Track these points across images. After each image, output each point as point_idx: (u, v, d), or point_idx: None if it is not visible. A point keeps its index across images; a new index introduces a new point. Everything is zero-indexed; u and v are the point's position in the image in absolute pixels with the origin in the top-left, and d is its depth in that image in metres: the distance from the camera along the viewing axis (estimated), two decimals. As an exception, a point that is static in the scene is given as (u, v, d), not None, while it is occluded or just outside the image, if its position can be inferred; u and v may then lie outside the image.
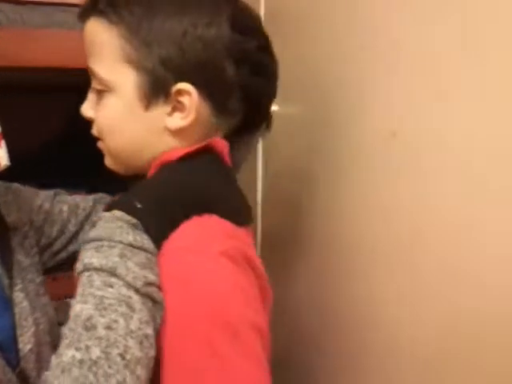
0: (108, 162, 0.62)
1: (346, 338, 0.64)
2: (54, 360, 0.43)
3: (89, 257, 0.47)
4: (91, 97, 0.60)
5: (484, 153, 0.40)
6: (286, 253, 0.86)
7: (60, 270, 0.74)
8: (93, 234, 0.49)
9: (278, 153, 0.88)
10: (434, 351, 0.47)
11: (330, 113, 0.66)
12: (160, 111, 0.55)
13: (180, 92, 0.54)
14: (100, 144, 0.61)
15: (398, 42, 0.51)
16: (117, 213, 0.50)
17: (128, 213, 0.49)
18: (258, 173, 0.98)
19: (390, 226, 0.53)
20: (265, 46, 0.60)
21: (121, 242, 0.47)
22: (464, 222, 0.42)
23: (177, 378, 0.46)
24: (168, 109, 0.55)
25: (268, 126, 0.62)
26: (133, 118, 0.55)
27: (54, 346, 0.56)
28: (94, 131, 0.60)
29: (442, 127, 0.44)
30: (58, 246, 0.74)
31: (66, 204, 0.77)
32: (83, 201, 0.79)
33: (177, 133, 0.56)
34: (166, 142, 0.56)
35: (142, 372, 0.43)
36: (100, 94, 0.57)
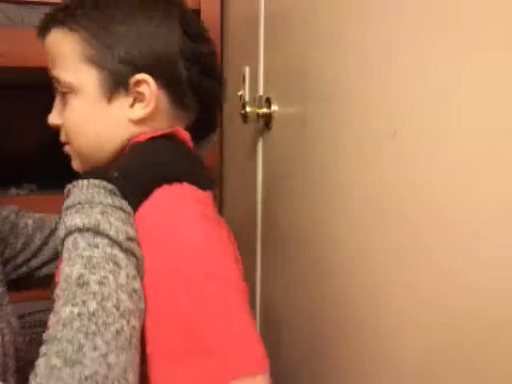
0: (76, 165, 0.65)
1: (346, 340, 0.64)
2: (52, 319, 0.45)
3: (70, 219, 0.49)
4: (57, 105, 0.65)
5: (485, 153, 0.40)
6: (286, 252, 0.86)
7: (16, 287, 0.74)
8: (70, 200, 0.51)
9: (277, 153, 0.88)
10: (432, 354, 0.47)
11: (330, 113, 0.66)
12: (122, 104, 0.60)
13: (138, 82, 0.60)
14: (67, 148, 0.65)
15: (398, 41, 0.51)
16: (94, 180, 0.52)
17: (105, 179, 0.53)
18: (258, 172, 0.98)
19: (389, 226, 0.53)
20: (213, 52, 0.67)
21: (101, 203, 0.50)
22: (464, 222, 0.42)
23: (165, 327, 0.48)
24: (129, 101, 0.60)
25: (213, 130, 0.70)
26: (98, 114, 0.60)
27: (17, 358, 0.58)
28: (62, 137, 0.65)
29: (442, 127, 0.44)
30: (21, 259, 0.75)
31: (32, 218, 0.78)
32: (49, 217, 0.81)
33: (140, 122, 0.61)
34: (131, 132, 0.61)
35: (136, 323, 0.46)
36: (65, 99, 0.62)
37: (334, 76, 0.64)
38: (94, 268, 0.46)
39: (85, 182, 0.52)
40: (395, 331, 0.53)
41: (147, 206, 0.53)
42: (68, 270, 0.47)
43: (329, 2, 0.66)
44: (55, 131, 0.65)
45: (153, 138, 0.60)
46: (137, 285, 0.48)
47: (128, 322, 0.45)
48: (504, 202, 0.38)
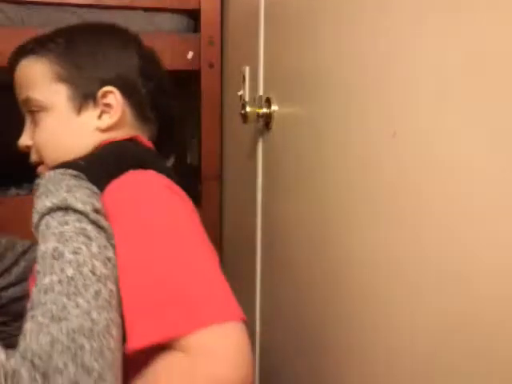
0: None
1: (344, 341, 0.64)
2: (34, 290, 0.48)
3: (40, 203, 0.53)
4: (27, 128, 0.69)
5: (485, 152, 0.40)
6: (286, 252, 0.86)
7: None
8: (40, 190, 0.55)
9: (277, 153, 0.88)
10: (431, 356, 0.47)
11: (330, 113, 0.66)
12: (91, 115, 0.66)
13: (105, 94, 0.67)
14: (41, 169, 0.69)
15: (398, 41, 0.51)
16: (59, 170, 0.57)
17: (70, 168, 0.57)
18: (258, 172, 0.98)
19: (389, 226, 0.53)
20: (165, 74, 0.77)
21: (66, 185, 0.54)
22: (465, 222, 0.42)
23: (137, 282, 0.51)
24: (97, 112, 0.67)
25: (175, 149, 0.82)
26: (69, 127, 0.66)
27: None
28: (34, 157, 0.69)
29: (442, 127, 0.44)
30: None
31: (5, 238, 0.81)
32: (21, 240, 0.84)
33: (107, 130, 0.67)
34: (99, 139, 0.66)
35: (113, 287, 0.49)
36: (35, 119, 0.67)
37: (334, 76, 0.64)
38: (66, 241, 0.50)
39: (51, 172, 0.57)
40: (395, 332, 0.53)
41: (115, 183, 0.57)
42: (43, 247, 0.50)
43: (329, 2, 0.66)
44: (26, 153, 0.70)
45: (118, 141, 0.66)
46: (110, 253, 0.51)
47: (105, 285, 0.49)
48: (504, 202, 0.38)
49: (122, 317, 0.49)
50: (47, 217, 0.52)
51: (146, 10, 1.27)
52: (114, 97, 0.66)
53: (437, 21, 0.45)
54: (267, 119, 0.88)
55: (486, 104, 0.39)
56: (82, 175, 0.56)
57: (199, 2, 1.27)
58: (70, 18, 1.22)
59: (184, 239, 0.53)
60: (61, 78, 0.65)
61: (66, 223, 0.51)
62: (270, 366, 0.98)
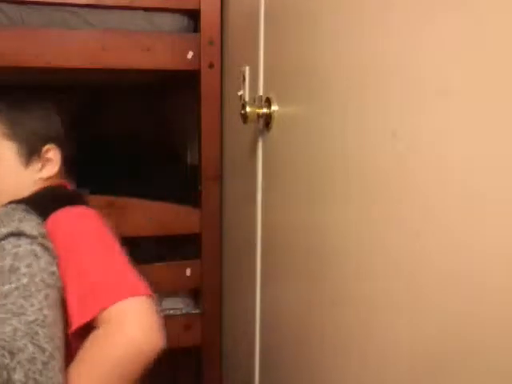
0: None
1: (344, 342, 0.64)
2: None
3: None
4: None
5: (485, 152, 0.40)
6: (286, 252, 0.86)
7: None
8: None
9: (277, 153, 0.88)
10: (431, 357, 0.47)
11: (330, 113, 0.66)
12: (35, 167, 0.84)
13: (47, 150, 0.85)
14: None
15: (398, 41, 0.51)
16: (11, 205, 0.74)
17: (20, 204, 0.74)
18: (258, 172, 0.98)
19: (389, 226, 0.53)
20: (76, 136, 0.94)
21: (18, 217, 0.70)
22: (465, 222, 0.42)
23: (73, 282, 0.68)
24: (40, 164, 0.85)
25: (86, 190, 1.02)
26: (15, 178, 0.82)
27: None
28: None
29: (442, 127, 0.44)
30: None
31: None
32: None
33: (46, 179, 0.85)
34: (40, 185, 0.84)
35: (57, 293, 0.66)
36: None
37: (334, 76, 0.64)
38: (20, 259, 0.65)
39: (4, 208, 0.74)
40: (395, 332, 0.52)
41: (56, 215, 0.75)
42: (1, 263, 0.64)
43: (328, 2, 0.66)
44: None
45: (53, 186, 0.85)
46: (54, 268, 0.68)
47: (52, 291, 0.65)
48: (504, 202, 0.38)
49: (63, 315, 0.66)
50: (2, 242, 0.66)
51: (146, 9, 1.27)
52: (54, 153, 0.85)
53: (437, 21, 0.45)
54: (267, 119, 0.88)
55: (487, 104, 0.39)
56: (29, 209, 0.73)
57: (199, 2, 1.26)
58: (70, 18, 1.22)
59: (102, 246, 0.73)
60: (8, 137, 0.81)
61: (20, 246, 0.66)
62: (270, 366, 0.98)
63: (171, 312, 1.45)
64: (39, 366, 0.56)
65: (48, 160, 0.85)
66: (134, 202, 1.33)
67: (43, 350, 0.58)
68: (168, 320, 1.42)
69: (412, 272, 0.49)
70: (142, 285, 0.68)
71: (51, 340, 0.60)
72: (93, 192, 1.40)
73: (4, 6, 1.18)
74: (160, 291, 1.42)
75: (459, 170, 0.42)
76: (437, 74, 0.45)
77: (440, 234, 0.45)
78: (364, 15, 0.57)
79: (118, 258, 0.73)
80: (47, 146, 0.85)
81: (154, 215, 1.33)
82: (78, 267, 0.69)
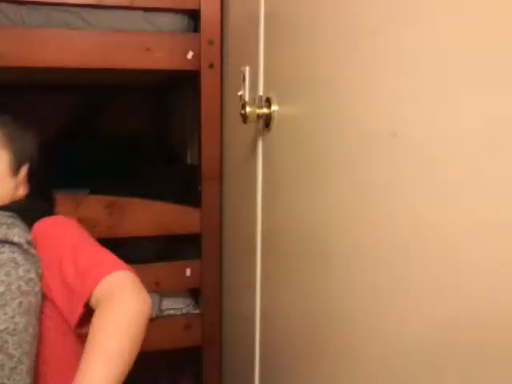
0: None
1: (344, 340, 0.64)
2: None
3: None
4: None
5: (485, 152, 0.40)
6: (286, 251, 0.86)
7: None
8: None
9: (277, 153, 0.88)
10: (431, 358, 0.47)
11: (330, 113, 0.66)
12: (20, 177, 0.91)
13: (26, 168, 0.92)
14: None
15: (399, 41, 0.51)
16: (1, 212, 0.79)
17: (7, 211, 0.80)
18: (258, 172, 0.98)
19: (389, 225, 0.53)
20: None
21: (5, 223, 0.75)
22: (465, 222, 0.42)
23: (61, 272, 0.75)
24: (20, 178, 0.92)
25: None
26: (4, 185, 0.88)
27: None
28: None
29: (442, 127, 0.44)
30: None
31: None
32: None
33: (17, 191, 0.92)
34: (14, 196, 0.91)
35: (32, 299, 0.72)
36: None
37: (334, 76, 0.64)
38: (1, 266, 0.70)
39: None
40: (396, 334, 0.53)
41: (41, 224, 0.82)
42: None
43: (328, 2, 0.66)
44: None
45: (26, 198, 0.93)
46: (32, 275, 0.73)
47: (27, 298, 0.70)
48: (504, 202, 0.38)
49: (38, 319, 0.73)
50: None
51: (146, 10, 1.27)
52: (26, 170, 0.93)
53: (437, 20, 0.45)
54: (267, 119, 0.88)
55: (487, 104, 0.39)
56: (15, 216, 0.79)
57: (199, 3, 1.26)
58: (69, 18, 1.22)
59: (83, 240, 0.83)
60: (8, 148, 0.89)
61: (3, 252, 0.71)
62: (270, 366, 0.98)
63: (171, 312, 1.45)
64: (6, 372, 0.65)
65: (24, 176, 0.93)
66: (134, 201, 1.33)
67: (11, 357, 0.66)
68: (168, 320, 1.44)
69: (413, 272, 0.49)
70: (124, 264, 0.77)
71: (20, 346, 0.67)
72: (93, 192, 1.40)
73: (4, 6, 1.18)
74: (160, 291, 1.43)
75: (459, 169, 0.42)
76: (437, 74, 0.45)
77: (440, 233, 0.45)
78: (364, 16, 0.57)
79: (96, 246, 0.83)
80: (27, 165, 0.94)
81: (154, 215, 1.33)
82: (66, 257, 0.78)
